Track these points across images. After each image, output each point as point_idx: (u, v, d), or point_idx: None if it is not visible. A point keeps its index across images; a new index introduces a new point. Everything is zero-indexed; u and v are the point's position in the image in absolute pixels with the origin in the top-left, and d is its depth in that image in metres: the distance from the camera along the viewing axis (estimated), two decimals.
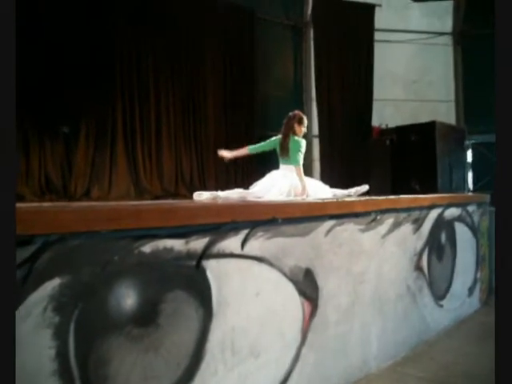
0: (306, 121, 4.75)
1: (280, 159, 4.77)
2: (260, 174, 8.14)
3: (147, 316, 2.05)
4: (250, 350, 2.43)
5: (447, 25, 10.61)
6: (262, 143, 4.98)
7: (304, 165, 4.95)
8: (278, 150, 4.77)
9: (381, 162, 7.82)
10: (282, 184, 4.59)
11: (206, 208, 2.36)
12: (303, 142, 4.66)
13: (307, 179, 4.75)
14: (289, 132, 4.67)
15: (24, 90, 6.53)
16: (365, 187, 4.74)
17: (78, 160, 6.92)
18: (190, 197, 7.59)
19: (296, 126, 4.67)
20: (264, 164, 8.94)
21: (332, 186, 5.14)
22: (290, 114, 4.83)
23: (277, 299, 2.61)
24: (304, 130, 4.75)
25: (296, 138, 4.64)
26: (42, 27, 6.64)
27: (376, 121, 9.32)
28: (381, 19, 9.84)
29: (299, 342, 2.72)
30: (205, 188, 8.00)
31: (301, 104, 10.22)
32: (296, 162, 4.57)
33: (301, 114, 4.82)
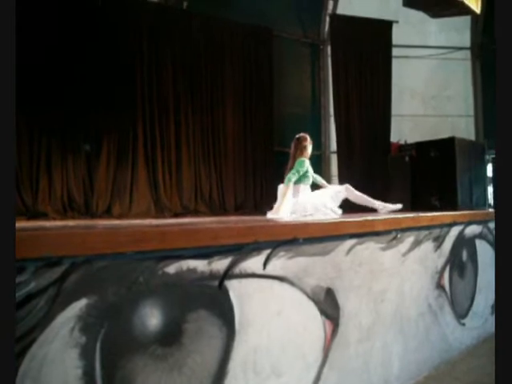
0: (310, 143, 5.07)
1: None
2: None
3: (171, 336, 2.07)
4: (272, 370, 2.44)
5: (465, 39, 10.61)
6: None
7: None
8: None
9: (400, 178, 7.80)
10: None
11: (228, 229, 2.39)
12: (304, 162, 4.83)
13: (317, 193, 4.97)
14: (296, 154, 4.96)
15: (47, 107, 6.70)
16: (398, 206, 5.09)
17: (100, 178, 7.05)
18: (209, 214, 7.71)
19: (304, 148, 4.94)
20: (282, 179, 9.00)
21: (351, 203, 5.18)
22: (298, 136, 5.08)
23: (298, 319, 2.61)
24: (309, 151, 5.05)
25: (301, 158, 4.88)
26: (66, 48, 6.81)
27: (395, 137, 9.31)
28: (398, 35, 9.89)
29: (320, 361, 2.72)
30: (224, 205, 8.08)
31: (318, 121, 10.29)
32: (287, 180, 4.80)
33: (307, 136, 5.06)
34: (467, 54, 10.59)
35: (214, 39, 8.44)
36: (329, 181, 8.91)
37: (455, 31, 10.49)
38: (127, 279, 1.97)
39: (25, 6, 6.04)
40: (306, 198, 4.88)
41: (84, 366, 1.81)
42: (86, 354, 1.82)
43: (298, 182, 4.85)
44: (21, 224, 3.85)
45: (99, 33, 7.16)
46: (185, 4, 8.46)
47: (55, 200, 6.64)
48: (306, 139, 5.03)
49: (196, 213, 7.62)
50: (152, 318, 2.03)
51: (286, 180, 4.82)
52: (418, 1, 7.06)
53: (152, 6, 8.03)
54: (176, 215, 7.31)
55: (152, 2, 8.16)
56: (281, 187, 4.96)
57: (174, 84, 7.93)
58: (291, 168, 4.88)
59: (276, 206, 4.84)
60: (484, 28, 10.13)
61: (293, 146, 5.09)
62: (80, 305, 1.83)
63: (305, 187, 4.95)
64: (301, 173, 4.80)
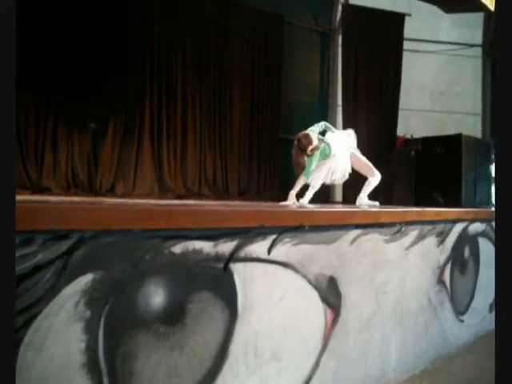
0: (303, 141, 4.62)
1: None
2: (283, 177, 8.19)
3: (174, 315, 2.08)
4: (272, 355, 2.45)
5: (477, 36, 10.54)
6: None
7: None
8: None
9: (405, 172, 7.79)
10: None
11: (236, 212, 2.39)
12: (311, 160, 4.60)
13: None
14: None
15: (56, 83, 6.67)
16: (376, 203, 4.98)
17: (105, 156, 7.04)
18: (213, 198, 7.71)
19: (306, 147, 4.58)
20: (286, 167, 9.00)
21: (355, 194, 5.18)
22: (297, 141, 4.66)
23: (300, 305, 2.62)
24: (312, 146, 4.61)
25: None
26: (75, 26, 6.78)
27: (401, 130, 9.29)
28: (410, 28, 9.83)
29: (320, 349, 2.73)
30: (227, 190, 8.08)
31: (326, 110, 10.25)
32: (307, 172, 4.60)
33: (301, 137, 4.64)
34: (478, 51, 10.52)
35: (224, 23, 8.39)
36: None
37: (467, 28, 10.42)
38: (133, 256, 1.97)
39: None
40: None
41: (87, 340, 1.82)
42: (90, 328, 1.83)
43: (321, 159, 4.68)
44: (27, 197, 3.86)
45: (110, 11, 7.12)
46: None
47: (59, 176, 6.65)
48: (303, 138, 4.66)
49: (199, 196, 7.62)
50: (156, 296, 2.04)
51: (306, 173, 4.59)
52: None
53: None
54: (179, 197, 7.31)
55: None
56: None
57: (182, 67, 7.90)
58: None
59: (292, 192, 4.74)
60: None
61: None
62: (86, 279, 1.83)
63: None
64: (312, 167, 4.59)
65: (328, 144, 4.74)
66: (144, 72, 7.53)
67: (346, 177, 5.02)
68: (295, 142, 4.60)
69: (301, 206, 4.06)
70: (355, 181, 5.21)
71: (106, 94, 7.14)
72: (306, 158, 4.58)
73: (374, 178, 5.05)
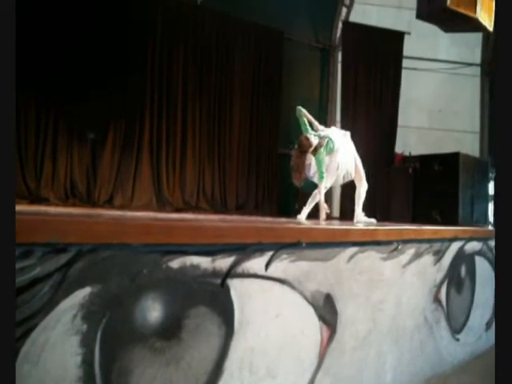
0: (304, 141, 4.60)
1: None
2: (282, 192, 8.22)
3: (171, 330, 2.08)
4: (267, 371, 2.45)
5: (476, 55, 10.63)
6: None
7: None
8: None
9: (402, 189, 7.83)
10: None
11: (234, 228, 2.40)
12: (321, 159, 4.60)
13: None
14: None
15: (56, 93, 6.71)
16: (373, 220, 4.95)
17: (104, 167, 7.06)
18: (211, 211, 7.72)
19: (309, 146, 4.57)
20: (284, 182, 9.02)
21: (353, 210, 5.18)
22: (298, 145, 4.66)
23: (296, 322, 2.62)
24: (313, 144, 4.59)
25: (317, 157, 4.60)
26: (78, 36, 6.83)
27: (399, 147, 9.33)
28: (409, 47, 9.92)
29: (315, 366, 2.72)
30: (225, 204, 8.09)
31: (324, 126, 10.27)
32: (321, 176, 4.59)
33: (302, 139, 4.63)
34: (477, 70, 10.60)
35: (225, 37, 8.47)
36: (331, 187, 8.90)
37: (466, 47, 10.50)
38: (131, 270, 1.97)
39: None
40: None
41: (84, 353, 1.82)
42: (87, 342, 1.83)
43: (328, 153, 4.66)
44: (25, 208, 3.87)
45: (113, 21, 7.18)
46: (199, 0, 8.46)
47: (58, 186, 6.66)
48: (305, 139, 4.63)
49: (197, 209, 7.63)
50: (153, 310, 2.04)
51: (321, 177, 4.58)
52: (432, 14, 7.06)
53: (166, 0, 8.04)
54: (177, 210, 7.32)
55: None
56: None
57: (183, 80, 7.95)
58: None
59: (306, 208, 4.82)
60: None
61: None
62: (84, 293, 1.84)
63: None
64: (323, 168, 4.58)
65: (330, 138, 4.69)
66: (145, 84, 7.58)
67: (353, 175, 4.96)
68: (295, 147, 4.60)
69: (299, 223, 4.06)
70: (353, 195, 5.20)
71: (107, 105, 7.19)
72: (307, 159, 4.58)
73: (363, 188, 5.03)
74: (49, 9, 6.56)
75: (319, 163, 4.55)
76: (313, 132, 4.67)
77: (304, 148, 4.54)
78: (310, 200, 4.96)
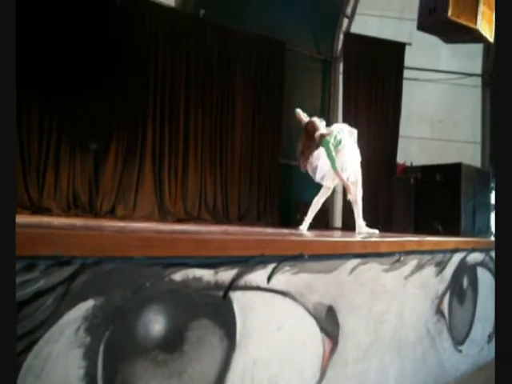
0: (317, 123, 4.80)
1: None
2: (283, 202, 8.23)
3: (173, 342, 2.09)
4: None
5: (477, 66, 10.67)
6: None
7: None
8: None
9: (404, 199, 7.83)
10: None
11: (236, 240, 2.41)
12: (328, 143, 4.65)
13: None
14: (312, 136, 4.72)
15: (60, 103, 6.74)
16: (375, 231, 4.93)
17: (106, 178, 7.08)
18: (212, 222, 7.72)
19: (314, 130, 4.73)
20: (286, 192, 9.04)
21: (354, 221, 5.17)
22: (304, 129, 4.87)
23: (298, 334, 2.62)
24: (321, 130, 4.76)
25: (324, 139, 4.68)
26: (83, 45, 6.88)
27: (401, 158, 9.35)
28: (411, 57, 9.97)
29: (318, 379, 2.72)
30: (227, 214, 8.09)
31: None
32: (333, 164, 4.62)
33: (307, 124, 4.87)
34: (478, 80, 10.64)
35: (227, 49, 8.52)
36: (333, 196, 8.93)
37: (467, 58, 10.54)
38: (134, 283, 1.98)
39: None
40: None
41: (87, 366, 1.83)
42: (90, 354, 1.84)
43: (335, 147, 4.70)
44: (27, 219, 3.88)
45: (116, 33, 7.23)
46: (201, 12, 8.52)
47: (60, 196, 6.67)
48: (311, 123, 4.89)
49: (199, 220, 7.63)
50: (156, 323, 2.05)
51: (333, 166, 4.63)
52: (433, 25, 7.10)
53: (170, 11, 8.11)
54: (179, 221, 7.32)
55: (170, 8, 8.24)
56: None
57: (185, 91, 7.99)
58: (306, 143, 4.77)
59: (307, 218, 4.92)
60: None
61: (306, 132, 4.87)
62: (87, 306, 1.84)
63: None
64: (333, 153, 4.63)
65: (338, 131, 4.75)
66: (147, 94, 7.62)
67: (357, 177, 4.90)
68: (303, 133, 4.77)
69: (301, 235, 4.07)
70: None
71: (109, 116, 7.22)
72: (313, 145, 4.66)
73: (360, 197, 4.99)
74: (51, 20, 6.60)
75: (328, 152, 4.58)
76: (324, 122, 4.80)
77: (309, 132, 4.59)
78: (310, 211, 4.99)
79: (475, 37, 7.33)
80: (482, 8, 5.72)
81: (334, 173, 4.64)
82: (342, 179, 4.66)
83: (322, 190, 5.03)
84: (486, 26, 5.96)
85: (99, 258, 1.89)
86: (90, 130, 7.10)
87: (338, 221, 9.93)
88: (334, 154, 4.61)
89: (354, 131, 5.10)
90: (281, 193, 9.02)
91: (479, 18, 5.76)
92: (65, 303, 1.79)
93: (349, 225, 5.09)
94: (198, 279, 2.18)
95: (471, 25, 5.71)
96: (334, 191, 9.35)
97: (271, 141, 8.98)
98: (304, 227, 4.88)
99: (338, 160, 4.70)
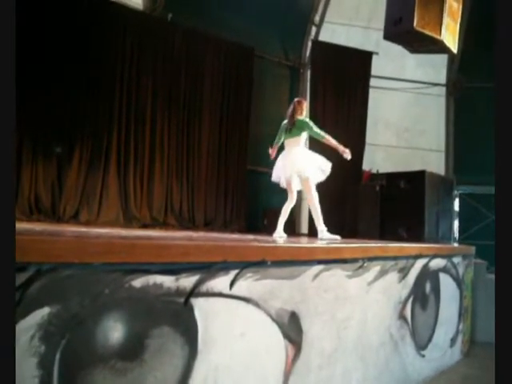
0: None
1: (285, 138, 5.30)
2: (250, 208, 8.20)
3: (133, 351, 2.05)
4: None
5: (441, 76, 10.87)
6: (277, 137, 5.44)
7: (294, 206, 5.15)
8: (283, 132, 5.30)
9: (369, 206, 7.92)
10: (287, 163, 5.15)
11: (198, 246, 2.39)
12: (305, 122, 5.17)
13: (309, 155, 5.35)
14: (296, 114, 5.18)
15: (21, 106, 6.57)
16: (337, 237, 4.96)
17: (69, 182, 6.93)
18: (178, 227, 7.66)
19: (303, 110, 5.28)
20: (253, 199, 9.02)
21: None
22: (298, 99, 5.42)
23: (261, 341, 2.61)
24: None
25: (300, 118, 5.18)
26: (48, 49, 6.74)
27: (367, 165, 9.44)
28: (377, 66, 10.10)
29: None
30: (193, 220, 8.03)
31: None
32: (318, 136, 5.18)
33: (302, 100, 5.44)
34: (442, 90, 10.85)
35: (195, 53, 8.46)
36: (299, 203, 8.97)
37: (432, 67, 10.74)
38: (92, 290, 1.94)
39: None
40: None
41: (41, 376, 1.78)
42: (45, 363, 1.79)
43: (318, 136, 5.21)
44: None
45: (82, 36, 7.09)
46: (169, 16, 8.45)
47: (22, 200, 6.48)
48: (304, 103, 5.38)
49: (165, 225, 7.55)
50: (115, 331, 2.01)
51: (319, 136, 5.19)
52: (398, 35, 7.22)
53: (137, 14, 8.02)
54: (144, 226, 7.23)
55: (137, 11, 8.14)
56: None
57: (152, 95, 7.90)
58: (291, 125, 5.16)
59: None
60: (460, 66, 10.42)
61: (292, 107, 5.25)
62: (42, 313, 1.79)
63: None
64: (314, 126, 5.15)
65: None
66: (113, 99, 7.49)
67: (328, 171, 5.34)
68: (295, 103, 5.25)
69: (265, 241, 4.07)
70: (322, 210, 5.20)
71: (74, 119, 7.07)
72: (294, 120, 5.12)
73: (316, 200, 5.13)
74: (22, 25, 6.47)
75: (308, 125, 5.13)
76: None
77: (301, 102, 5.29)
78: (280, 218, 5.09)
79: (440, 47, 7.47)
80: (446, 20, 5.83)
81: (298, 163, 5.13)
82: (331, 143, 5.30)
83: (288, 197, 5.16)
84: (449, 37, 6.08)
85: (56, 264, 1.84)
86: (53, 134, 6.93)
87: (304, 227, 9.96)
88: (315, 126, 5.13)
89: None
90: (248, 199, 9.00)
91: (443, 29, 5.87)
92: (19, 310, 1.73)
93: (315, 231, 5.09)
94: (159, 286, 2.15)
95: (436, 36, 5.81)
96: (300, 198, 9.42)
97: (238, 147, 8.95)
98: (280, 233, 4.98)
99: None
